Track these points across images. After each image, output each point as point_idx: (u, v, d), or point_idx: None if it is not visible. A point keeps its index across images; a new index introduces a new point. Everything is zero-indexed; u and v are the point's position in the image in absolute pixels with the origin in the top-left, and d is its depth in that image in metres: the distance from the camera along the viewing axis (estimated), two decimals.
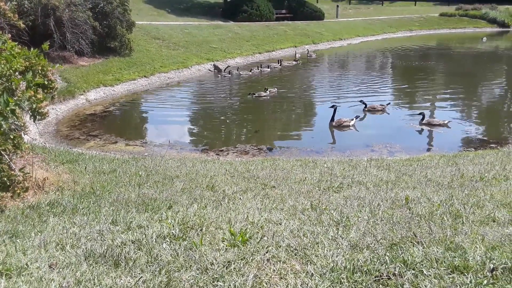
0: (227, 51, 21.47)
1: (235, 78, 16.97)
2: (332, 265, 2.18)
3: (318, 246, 2.45)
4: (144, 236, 2.67)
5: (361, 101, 11.47)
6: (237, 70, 17.87)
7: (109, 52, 16.31)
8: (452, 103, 12.49)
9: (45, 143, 8.80)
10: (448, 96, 13.43)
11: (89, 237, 2.83)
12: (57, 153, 6.47)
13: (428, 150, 8.28)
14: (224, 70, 17.81)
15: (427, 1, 51.22)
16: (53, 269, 2.37)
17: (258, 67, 18.30)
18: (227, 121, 11.23)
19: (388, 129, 10.08)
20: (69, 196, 4.21)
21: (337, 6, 39.03)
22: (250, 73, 17.62)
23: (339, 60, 21.94)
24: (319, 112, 10.95)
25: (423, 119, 10.01)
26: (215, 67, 18.35)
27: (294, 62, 20.25)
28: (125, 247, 2.53)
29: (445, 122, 9.93)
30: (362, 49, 27.15)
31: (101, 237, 2.82)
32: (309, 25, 30.86)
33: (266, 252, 2.36)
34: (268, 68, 18.63)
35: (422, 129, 9.70)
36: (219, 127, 10.63)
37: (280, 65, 19.35)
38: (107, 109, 12.22)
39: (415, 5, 49.27)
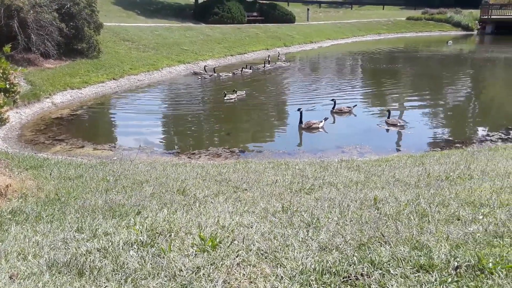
0: (198, 53, 21.35)
1: (213, 80, 16.91)
2: (302, 267, 2.19)
3: (288, 249, 2.45)
4: (110, 243, 2.59)
5: (332, 99, 11.68)
6: (214, 72, 17.88)
7: (77, 54, 15.89)
8: (419, 104, 12.85)
9: (8, 148, 8.47)
10: (415, 97, 13.81)
11: (52, 245, 2.73)
12: (21, 159, 6.23)
13: (397, 150, 8.47)
14: (205, 70, 17.74)
15: (394, 5, 52.67)
16: (14, 280, 2.26)
17: (242, 68, 18.51)
18: (199, 123, 11.14)
19: (357, 131, 10.25)
20: (33, 204, 4.06)
21: (308, 9, 39.52)
22: (230, 74, 17.68)
23: (310, 63, 22.18)
24: (293, 114, 11.01)
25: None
26: (195, 72, 18.32)
27: (283, 64, 20.57)
28: (90, 256, 2.45)
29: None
30: (332, 52, 27.58)
31: (65, 246, 2.73)
32: (280, 28, 31.11)
33: (236, 256, 2.34)
34: (250, 69, 18.75)
35: (387, 130, 9.93)
36: (191, 130, 10.52)
37: (264, 66, 19.56)
38: (74, 113, 11.89)
39: (383, 9, 50.54)
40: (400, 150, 8.43)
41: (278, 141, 9.58)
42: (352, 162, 6.48)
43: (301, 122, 10.14)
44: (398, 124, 10.19)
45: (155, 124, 11.13)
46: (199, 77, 17.48)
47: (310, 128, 9.98)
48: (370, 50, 28.20)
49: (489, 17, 38.76)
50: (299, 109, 10.36)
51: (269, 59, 21.15)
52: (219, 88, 15.08)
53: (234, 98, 13.08)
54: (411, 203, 3.35)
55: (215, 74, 17.72)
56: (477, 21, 40.41)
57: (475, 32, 39.82)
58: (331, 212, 3.28)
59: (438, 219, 2.90)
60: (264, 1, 38.37)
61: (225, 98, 13.04)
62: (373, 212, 3.18)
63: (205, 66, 18.57)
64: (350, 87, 15.89)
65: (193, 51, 21.40)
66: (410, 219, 2.91)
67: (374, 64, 22.29)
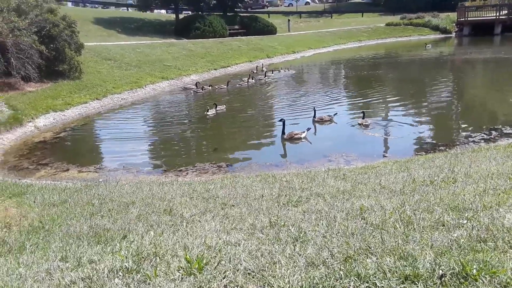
0: (181, 69, 21.40)
1: (206, 94, 16.98)
2: (289, 285, 2.18)
3: (276, 266, 2.44)
4: (95, 271, 2.55)
5: (314, 108, 11.81)
6: (209, 86, 18.07)
7: (58, 76, 15.79)
8: (402, 109, 13.02)
9: None
10: (398, 102, 13.99)
11: (36, 277, 2.67)
12: (3, 186, 6.13)
13: (383, 156, 8.55)
14: (197, 86, 17.90)
15: (373, 12, 53.64)
16: None
17: (248, 79, 19.07)
18: (186, 140, 11.11)
19: (343, 138, 10.34)
20: (16, 233, 3.98)
21: (289, 20, 40.02)
22: (225, 87, 17.87)
23: (294, 73, 22.38)
24: (279, 125, 11.06)
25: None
26: (185, 88, 18.39)
27: (284, 71, 21.21)
28: (74, 286, 2.41)
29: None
30: (315, 61, 27.89)
31: (49, 277, 2.67)
32: (262, 39, 31.40)
33: (223, 278, 2.33)
34: (253, 79, 19.19)
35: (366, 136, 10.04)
36: (177, 147, 10.49)
37: (265, 76, 20.12)
38: (58, 135, 11.76)
39: (362, 16, 51.44)
40: (386, 156, 8.51)
41: (265, 153, 9.60)
42: (339, 171, 6.52)
43: (283, 133, 10.19)
44: (364, 123, 10.89)
45: (140, 143, 11.06)
46: (192, 91, 17.57)
47: (292, 139, 10.03)
48: (351, 57, 28.61)
49: (465, 19, 39.75)
50: (281, 120, 10.43)
51: (265, 69, 21.66)
52: (204, 103, 15.09)
53: (214, 113, 13.09)
54: (397, 211, 3.38)
55: (210, 88, 17.86)
56: (454, 24, 41.41)
57: (453, 34, 40.77)
58: (318, 224, 3.28)
59: (423, 226, 2.92)
60: (245, 14, 38.78)
61: (206, 113, 13.07)
62: (359, 223, 3.19)
63: (197, 82, 18.69)
64: (333, 95, 16.05)
65: (176, 66, 21.44)
66: (396, 228, 2.93)
67: (356, 71, 22.59)
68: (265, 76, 19.77)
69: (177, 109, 15.06)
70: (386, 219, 3.17)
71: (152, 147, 10.85)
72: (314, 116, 11.60)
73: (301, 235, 3.01)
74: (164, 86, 18.89)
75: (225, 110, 13.52)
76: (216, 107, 13.27)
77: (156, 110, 15.12)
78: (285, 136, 10.12)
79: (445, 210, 3.29)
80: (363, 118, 11.00)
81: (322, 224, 3.27)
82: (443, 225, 2.93)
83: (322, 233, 3.02)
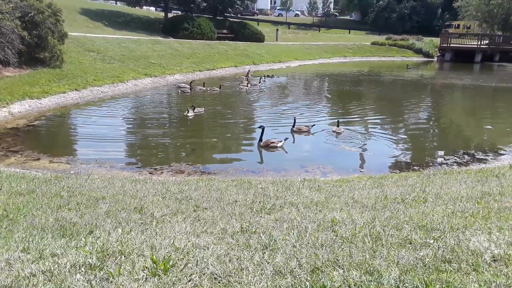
0: (166, 67, 21.23)
1: (195, 95, 16.90)
2: None
3: (243, 273, 2.43)
4: (56, 265, 2.47)
5: (294, 118, 11.90)
6: (203, 86, 17.98)
7: (38, 63, 15.42)
8: (381, 126, 13.25)
9: None
10: (376, 120, 14.23)
11: None
12: None
13: (358, 171, 8.65)
14: (190, 85, 17.85)
15: (360, 30, 54.70)
16: None
17: (247, 83, 19.33)
18: (164, 138, 10.99)
19: (320, 150, 10.42)
20: None
21: (277, 30, 40.33)
22: (219, 89, 17.82)
23: (278, 83, 22.53)
24: (259, 132, 11.07)
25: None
26: (178, 87, 18.30)
27: (265, 80, 21.55)
28: (34, 278, 2.33)
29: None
30: (300, 73, 28.14)
31: (9, 267, 2.57)
32: (250, 46, 31.51)
33: (188, 281, 2.29)
34: (247, 85, 19.26)
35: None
36: (154, 145, 10.35)
37: (259, 81, 20.42)
38: (32, 123, 11.44)
39: (349, 33, 52.36)
40: (361, 171, 8.61)
41: (243, 159, 9.56)
42: (314, 182, 6.57)
43: (260, 140, 10.23)
44: (337, 131, 11.43)
45: (116, 138, 10.87)
46: (179, 91, 17.46)
47: (268, 147, 10.06)
48: (336, 72, 29.01)
49: (448, 45, 40.99)
50: (260, 126, 10.46)
51: (250, 76, 21.87)
52: (187, 103, 14.99)
53: (192, 115, 12.99)
54: (367, 226, 3.41)
55: (203, 88, 17.82)
56: (437, 49, 42.62)
57: (435, 58, 41.92)
58: (289, 233, 3.28)
59: (391, 242, 2.96)
60: (235, 20, 38.86)
61: (186, 114, 12.98)
62: (329, 235, 3.21)
63: (191, 82, 18.73)
64: (315, 107, 16.21)
65: (160, 64, 21.26)
66: (365, 242, 2.96)
67: (339, 85, 22.91)
68: (248, 83, 19.82)
69: (158, 107, 14.89)
70: (356, 233, 3.19)
71: (128, 143, 10.68)
72: (293, 126, 11.67)
73: (271, 243, 3.00)
74: (146, 83, 18.69)
75: (203, 112, 13.44)
76: (194, 109, 13.18)
77: (136, 106, 14.91)
78: (261, 143, 10.15)
79: (413, 229, 3.34)
80: (337, 126, 11.67)
81: (293, 233, 3.27)
82: (411, 243, 2.97)
83: (292, 242, 3.02)
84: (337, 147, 10.50)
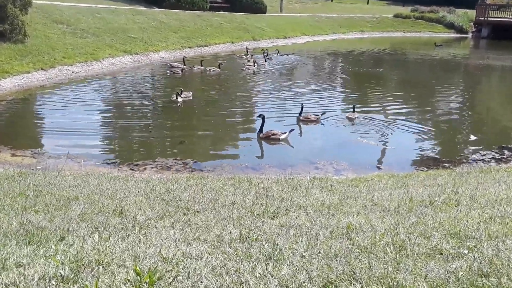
0: (149, 43, 21.21)
1: (187, 76, 16.85)
2: None
3: (243, 287, 2.44)
4: (22, 278, 2.49)
5: (301, 104, 11.89)
6: (201, 65, 18.05)
7: None
8: (405, 115, 13.22)
9: None
10: (400, 108, 14.21)
11: None
12: None
13: (377, 168, 8.68)
14: (184, 62, 17.89)
15: (381, 0, 54.45)
16: None
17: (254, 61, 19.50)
18: (147, 128, 10.99)
19: (333, 143, 10.46)
20: None
21: None
22: (218, 70, 17.88)
23: (283, 62, 22.49)
24: (259, 121, 11.07)
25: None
26: (171, 66, 18.27)
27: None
28: None
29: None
30: (309, 50, 28.09)
31: None
32: (248, 18, 31.40)
33: None
34: (254, 65, 19.33)
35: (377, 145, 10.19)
36: (136, 136, 10.36)
37: (267, 56, 20.85)
38: None
39: (367, 3, 52.16)
40: (381, 169, 8.65)
41: (242, 153, 9.60)
42: (326, 180, 6.59)
43: (260, 130, 10.22)
44: (350, 117, 11.79)
45: (91, 127, 10.89)
46: (169, 71, 17.47)
47: (268, 139, 10.03)
48: (351, 50, 28.96)
49: (485, 18, 40.79)
50: (260, 115, 10.43)
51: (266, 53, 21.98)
52: (176, 86, 14.95)
53: (180, 103, 12.95)
54: (389, 233, 3.43)
55: (202, 67, 17.90)
56: (472, 23, 42.43)
57: (470, 35, 41.80)
58: (296, 241, 3.30)
59: (417, 253, 2.97)
60: None
61: (173, 99, 12.96)
62: (345, 243, 3.22)
63: (184, 57, 18.92)
64: (326, 92, 16.21)
65: (142, 39, 21.23)
66: (386, 252, 2.97)
67: (355, 66, 22.89)
68: (254, 62, 19.78)
69: (140, 91, 14.89)
70: (376, 242, 3.21)
71: (105, 133, 10.69)
72: (300, 114, 11.65)
73: (276, 252, 3.02)
74: (126, 62, 18.66)
75: (191, 97, 13.41)
76: (181, 93, 13.15)
77: (114, 90, 14.90)
78: (261, 135, 10.12)
79: (444, 237, 3.36)
80: (353, 111, 12.02)
81: (302, 241, 3.29)
82: (441, 254, 2.99)
83: (300, 252, 3.03)
84: (353, 139, 10.51)
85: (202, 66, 18.06)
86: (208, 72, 17.77)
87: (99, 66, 17.25)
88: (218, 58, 21.54)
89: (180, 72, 17.37)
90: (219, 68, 18.07)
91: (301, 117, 11.63)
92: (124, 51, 19.27)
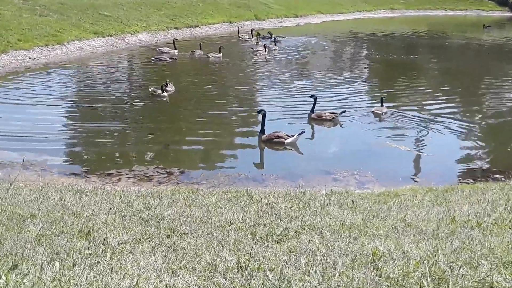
0: (126, 23, 21.27)
1: (175, 64, 16.97)
2: None
3: None
4: None
5: (312, 96, 11.83)
6: (200, 49, 18.47)
7: None
8: (446, 113, 13.16)
9: None
10: (440, 104, 14.18)
11: None
12: None
13: (411, 180, 8.66)
14: (175, 46, 18.20)
15: None
16: None
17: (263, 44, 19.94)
18: (123, 130, 11.01)
19: (355, 149, 10.38)
20: None
21: None
22: (220, 56, 18.15)
23: (294, 47, 22.54)
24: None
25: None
26: (161, 52, 18.47)
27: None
28: None
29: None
30: (325, 32, 28.14)
31: None
32: None
33: None
34: (265, 50, 19.75)
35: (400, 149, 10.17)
36: (108, 140, 10.37)
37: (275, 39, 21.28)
38: None
39: None
40: (416, 181, 8.63)
41: (241, 160, 9.61)
42: (347, 195, 6.57)
43: (262, 131, 10.14)
44: (376, 111, 12.03)
45: (52, 128, 10.89)
46: (152, 58, 17.58)
47: (271, 142, 9.92)
48: (378, 32, 28.98)
49: None
50: (260, 111, 10.35)
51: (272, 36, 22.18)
52: (162, 77, 14.98)
53: (166, 98, 12.98)
54: (426, 261, 3.42)
55: (201, 52, 18.21)
56: None
57: None
58: (309, 272, 3.29)
59: (462, 286, 2.96)
60: None
61: (154, 92, 13.00)
62: (370, 274, 3.21)
63: (175, 39, 19.49)
64: (346, 85, 16.21)
65: (118, 18, 21.30)
66: (423, 286, 2.96)
67: (383, 53, 22.89)
68: (265, 47, 19.95)
69: (114, 83, 14.92)
70: (410, 272, 3.20)
71: (69, 136, 10.70)
72: (312, 111, 11.56)
73: (283, 285, 3.02)
74: (97, 46, 18.73)
75: (173, 90, 13.43)
76: (167, 86, 13.17)
77: (81, 82, 14.94)
78: (263, 137, 10.04)
79: (495, 266, 3.35)
80: (381, 105, 12.02)
81: (316, 271, 3.28)
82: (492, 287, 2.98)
83: (314, 285, 3.03)
84: (380, 143, 10.49)
85: (201, 50, 18.16)
86: (210, 58, 17.87)
87: (63, 51, 17.30)
88: (212, 41, 21.61)
89: (168, 59, 17.40)
90: (220, 52, 18.23)
91: (313, 115, 11.50)
92: (94, 32, 19.33)
